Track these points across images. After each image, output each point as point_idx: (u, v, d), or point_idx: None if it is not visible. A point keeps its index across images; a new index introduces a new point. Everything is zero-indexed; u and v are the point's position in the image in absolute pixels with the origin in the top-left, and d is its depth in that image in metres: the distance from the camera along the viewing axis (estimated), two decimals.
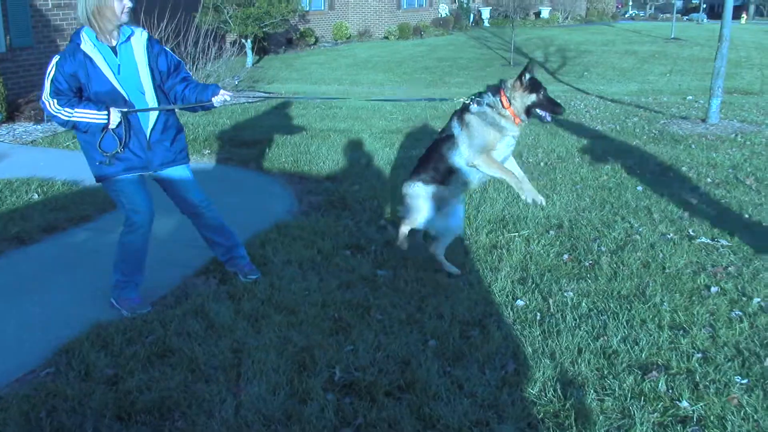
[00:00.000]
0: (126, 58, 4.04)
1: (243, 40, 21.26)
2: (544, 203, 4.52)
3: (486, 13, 36.53)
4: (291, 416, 3.13)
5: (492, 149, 4.34)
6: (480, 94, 4.37)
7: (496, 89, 4.32)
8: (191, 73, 4.35)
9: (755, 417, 3.13)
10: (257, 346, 3.72)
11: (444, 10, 33.72)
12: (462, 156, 4.39)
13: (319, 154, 8.11)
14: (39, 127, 10.03)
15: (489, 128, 4.29)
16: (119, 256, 4.30)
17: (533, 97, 4.25)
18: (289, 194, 6.72)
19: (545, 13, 38.64)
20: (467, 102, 4.37)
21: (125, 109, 4.03)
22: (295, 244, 5.18)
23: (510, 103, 4.27)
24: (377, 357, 3.61)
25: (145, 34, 4.15)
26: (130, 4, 3.96)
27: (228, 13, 20.35)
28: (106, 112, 3.95)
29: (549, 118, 4.32)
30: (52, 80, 3.93)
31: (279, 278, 4.59)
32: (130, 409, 3.19)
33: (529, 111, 4.29)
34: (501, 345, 3.76)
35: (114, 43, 4.01)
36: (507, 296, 4.36)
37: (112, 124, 3.99)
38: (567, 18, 39.43)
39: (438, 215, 4.58)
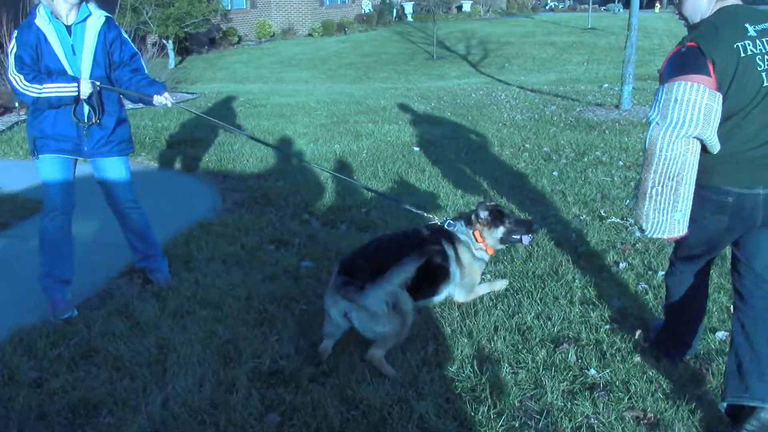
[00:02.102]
0: (79, 39, 3.98)
1: (164, 41, 20.97)
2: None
3: (409, 8, 36.76)
4: (217, 406, 3.20)
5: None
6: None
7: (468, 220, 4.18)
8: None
9: (656, 378, 3.35)
10: (182, 341, 3.76)
11: (367, 6, 33.85)
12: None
13: (243, 153, 8.13)
14: None
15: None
16: (39, 243, 4.24)
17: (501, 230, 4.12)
18: (213, 193, 6.74)
19: (467, 6, 39.13)
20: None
21: (97, 82, 4.01)
22: (219, 241, 5.22)
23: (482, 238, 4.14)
24: (301, 345, 3.71)
25: (102, 18, 4.08)
26: None
27: (147, 13, 20.03)
28: (75, 84, 3.91)
29: (527, 240, 4.17)
30: (16, 55, 3.86)
31: (203, 275, 4.63)
32: (52, 409, 3.21)
33: (502, 240, 4.17)
34: (422, 327, 3.90)
35: (70, 21, 3.96)
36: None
37: (84, 95, 3.96)
38: (488, 11, 40.01)
39: None
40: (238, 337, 3.81)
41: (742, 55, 2.76)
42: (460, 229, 4.14)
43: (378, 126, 9.81)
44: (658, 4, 49.21)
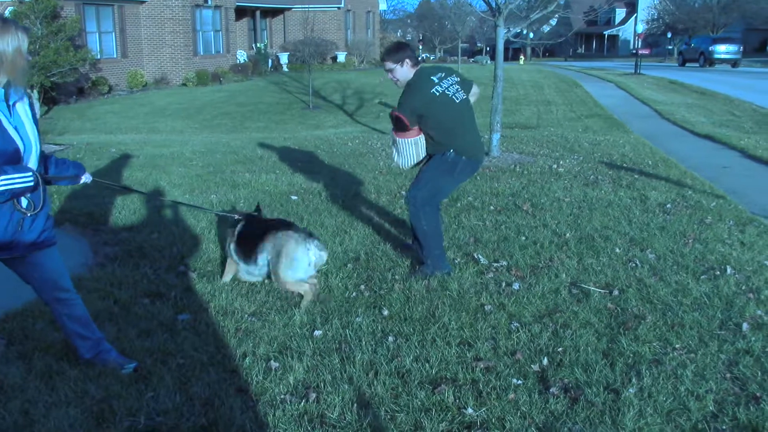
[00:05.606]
0: (18, 120, 3.39)
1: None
2: None
3: (284, 58, 37.11)
4: None
5: None
6: None
7: None
8: None
9: (530, 413, 3.49)
10: (51, 403, 3.60)
11: (242, 56, 33.91)
12: None
13: (115, 205, 7.89)
14: None
15: None
16: None
17: None
18: (83, 247, 6.48)
19: (341, 57, 39.89)
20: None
21: (39, 171, 3.46)
22: (90, 297, 5.01)
23: None
24: (178, 400, 3.62)
25: (25, 95, 3.51)
26: (29, 58, 3.39)
27: None
28: (30, 172, 3.34)
29: None
30: None
31: None
32: None
33: None
34: (302, 376, 3.90)
35: (11, 100, 3.37)
36: (306, 329, 4.52)
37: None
38: (363, 62, 40.93)
39: None
40: (112, 396, 3.67)
41: (437, 95, 5.29)
42: None
43: (255, 175, 9.79)
44: (522, 57, 51.88)
